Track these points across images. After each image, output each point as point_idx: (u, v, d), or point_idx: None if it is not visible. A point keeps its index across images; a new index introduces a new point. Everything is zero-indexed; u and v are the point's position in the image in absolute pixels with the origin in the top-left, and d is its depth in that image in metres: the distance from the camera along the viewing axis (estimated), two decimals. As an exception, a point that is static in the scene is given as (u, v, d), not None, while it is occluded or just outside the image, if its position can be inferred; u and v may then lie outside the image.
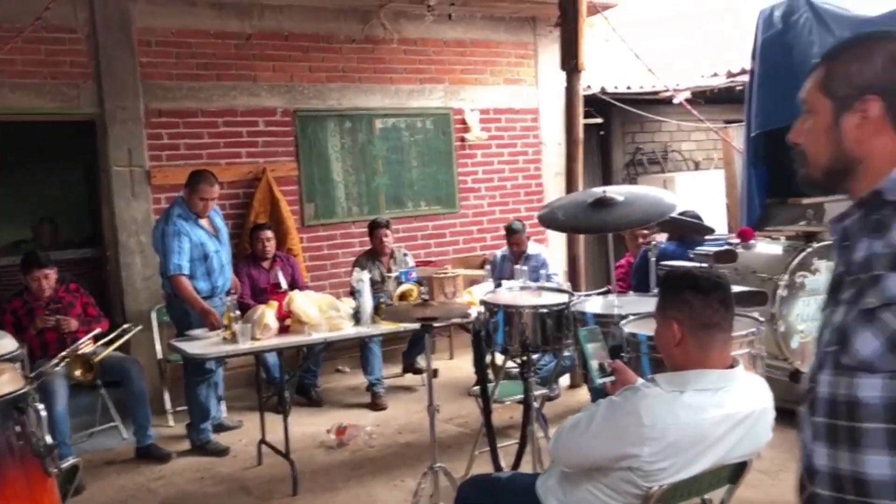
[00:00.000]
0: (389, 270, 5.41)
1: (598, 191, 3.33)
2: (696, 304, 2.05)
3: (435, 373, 5.43)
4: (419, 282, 4.55)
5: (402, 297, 4.45)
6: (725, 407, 2.01)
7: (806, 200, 4.49)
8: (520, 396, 3.68)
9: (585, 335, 2.62)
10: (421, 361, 6.05)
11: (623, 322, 2.80)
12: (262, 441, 4.53)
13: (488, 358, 4.39)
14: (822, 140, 1.30)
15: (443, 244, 7.04)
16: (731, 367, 2.09)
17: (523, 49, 7.41)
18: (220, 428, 5.06)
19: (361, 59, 6.62)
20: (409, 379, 6.23)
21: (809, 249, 3.56)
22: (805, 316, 3.54)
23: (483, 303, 3.43)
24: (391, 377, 6.16)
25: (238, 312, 4.16)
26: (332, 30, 6.48)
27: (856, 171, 1.30)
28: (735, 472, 2.20)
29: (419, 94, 6.86)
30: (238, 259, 5.61)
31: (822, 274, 3.59)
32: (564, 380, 5.72)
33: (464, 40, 7.10)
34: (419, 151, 6.92)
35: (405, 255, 5.85)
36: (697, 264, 3.30)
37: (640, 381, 2.17)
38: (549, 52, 7.39)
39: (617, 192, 3.31)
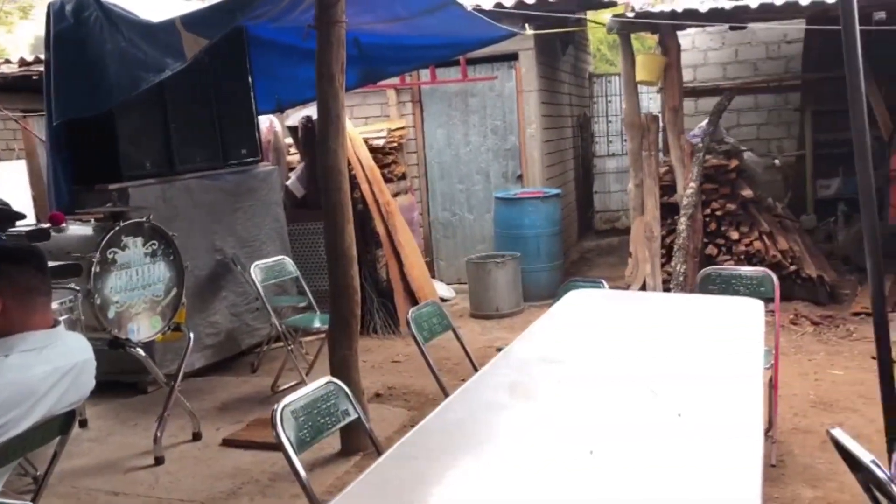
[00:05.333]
0: None
1: None
2: (14, 273, 2.22)
3: None
4: None
5: None
6: (52, 362, 2.24)
7: (112, 186, 4.86)
8: None
9: None
10: None
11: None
12: None
13: None
14: None
15: None
16: (54, 326, 2.32)
17: None
18: None
19: None
20: None
21: (118, 228, 3.93)
22: (118, 288, 3.91)
23: None
24: None
25: None
26: None
27: None
28: (65, 423, 2.43)
29: None
30: None
31: (130, 249, 4.01)
32: None
33: None
34: None
35: None
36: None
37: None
38: None
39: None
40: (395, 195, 7.15)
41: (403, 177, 7.75)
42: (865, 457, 1.75)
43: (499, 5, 7.04)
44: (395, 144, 7.60)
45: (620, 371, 2.38)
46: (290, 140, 7.15)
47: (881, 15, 7.06)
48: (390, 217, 6.69)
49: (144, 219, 4.12)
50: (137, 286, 4.05)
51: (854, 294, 6.41)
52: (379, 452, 2.55)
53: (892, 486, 1.70)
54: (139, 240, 4.08)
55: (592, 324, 2.99)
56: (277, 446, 3.83)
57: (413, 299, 6.61)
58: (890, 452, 2.52)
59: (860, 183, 2.77)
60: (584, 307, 3.25)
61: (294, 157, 7.21)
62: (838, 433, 1.87)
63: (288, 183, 6.74)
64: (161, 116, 5.26)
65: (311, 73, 6.14)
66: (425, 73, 7.73)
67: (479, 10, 6.10)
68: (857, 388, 4.52)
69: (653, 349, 2.60)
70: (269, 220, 6.07)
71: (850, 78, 2.70)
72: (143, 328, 4.08)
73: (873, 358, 4.60)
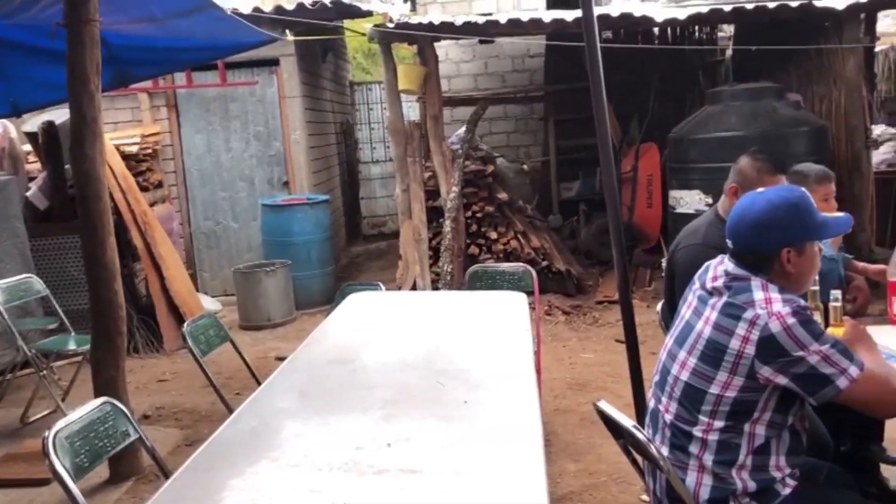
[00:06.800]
0: None
1: None
2: None
3: None
4: None
5: None
6: None
7: None
8: None
9: None
10: None
11: None
12: None
13: None
14: None
15: None
16: None
17: None
18: None
19: None
20: None
21: None
22: None
23: None
24: None
25: None
26: None
27: None
28: None
29: None
30: None
31: None
32: None
33: None
34: None
35: None
36: None
37: None
38: None
39: None
40: (152, 204, 6.77)
41: (160, 185, 7.35)
42: (627, 423, 1.99)
43: (257, 10, 6.92)
44: (149, 151, 7.19)
45: (408, 366, 2.47)
46: (28, 147, 6.50)
47: (607, 34, 7.91)
48: (148, 228, 6.33)
49: None
50: None
51: (596, 285, 7.11)
52: (165, 474, 2.43)
53: (650, 446, 1.95)
54: None
55: (375, 324, 3.06)
56: (35, 482, 3.53)
57: (177, 314, 6.30)
58: (640, 421, 2.85)
59: (605, 183, 3.10)
60: (364, 309, 3.31)
61: (34, 165, 6.57)
62: (603, 405, 2.11)
63: (28, 194, 6.13)
64: None
65: (54, 75, 5.66)
66: (181, 77, 7.40)
67: (237, 13, 5.96)
68: (605, 369, 5.03)
69: (436, 343, 2.72)
70: (6, 235, 5.48)
71: (594, 89, 3.01)
72: None
73: (618, 341, 5.16)
